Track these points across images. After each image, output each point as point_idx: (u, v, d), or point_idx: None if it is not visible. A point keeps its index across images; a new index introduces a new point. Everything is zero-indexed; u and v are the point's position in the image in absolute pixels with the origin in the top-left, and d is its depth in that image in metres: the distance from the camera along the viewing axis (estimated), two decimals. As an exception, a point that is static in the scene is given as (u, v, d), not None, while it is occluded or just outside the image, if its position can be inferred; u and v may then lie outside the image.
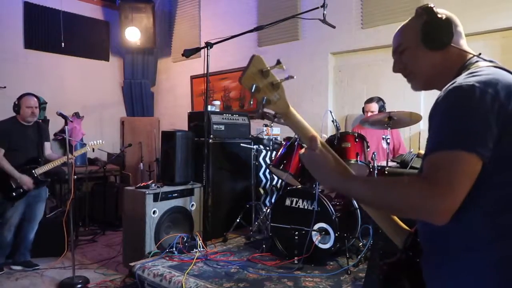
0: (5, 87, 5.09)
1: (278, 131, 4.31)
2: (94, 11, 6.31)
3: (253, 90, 1.09)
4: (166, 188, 3.64)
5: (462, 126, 0.90)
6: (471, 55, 1.08)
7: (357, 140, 3.18)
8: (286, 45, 5.01)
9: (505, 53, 3.62)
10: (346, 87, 4.64)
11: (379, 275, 1.18)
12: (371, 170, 3.14)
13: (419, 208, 0.89)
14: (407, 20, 1.17)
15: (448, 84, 0.98)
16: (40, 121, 4.10)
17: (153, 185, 3.61)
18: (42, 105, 5.51)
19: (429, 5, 1.10)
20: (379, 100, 3.87)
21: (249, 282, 2.69)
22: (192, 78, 6.14)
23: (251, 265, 3.01)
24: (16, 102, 3.69)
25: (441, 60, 1.09)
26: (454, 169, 0.87)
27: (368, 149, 3.29)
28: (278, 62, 1.10)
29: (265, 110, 1.36)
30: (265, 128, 4.03)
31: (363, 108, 3.97)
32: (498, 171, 0.91)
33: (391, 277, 1.20)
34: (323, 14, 3.40)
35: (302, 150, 1.14)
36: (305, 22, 4.73)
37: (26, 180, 3.57)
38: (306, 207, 3.06)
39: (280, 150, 3.41)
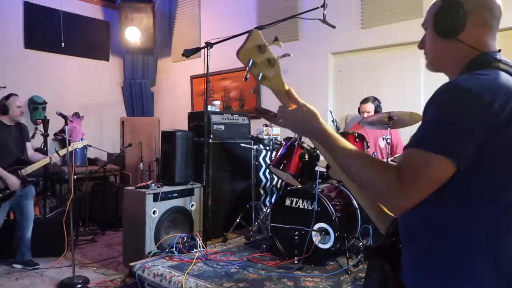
0: (5, 87, 5.08)
1: (278, 131, 4.31)
2: (94, 11, 6.30)
3: (250, 65, 1.08)
4: (166, 188, 3.64)
5: (445, 129, 0.88)
6: (480, 52, 1.04)
7: (357, 140, 3.18)
8: (286, 45, 4.89)
9: (505, 53, 3.61)
10: (346, 87, 4.64)
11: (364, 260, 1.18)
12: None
13: (381, 197, 0.95)
14: None
15: (449, 80, 0.97)
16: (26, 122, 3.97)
17: (153, 185, 3.61)
18: (42, 105, 5.51)
19: None
20: (374, 100, 3.86)
21: (249, 282, 2.69)
22: (192, 78, 6.14)
23: (251, 265, 3.01)
24: (4, 103, 3.62)
25: (449, 50, 1.05)
26: (423, 173, 0.88)
27: (368, 149, 3.29)
28: (276, 39, 1.11)
29: (264, 107, 1.35)
30: (265, 128, 4.03)
31: (358, 109, 3.96)
32: (470, 176, 0.90)
33: (374, 262, 1.21)
34: (323, 14, 3.40)
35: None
36: (305, 22, 4.72)
37: (13, 182, 3.49)
38: (306, 207, 3.06)
39: (280, 150, 3.41)
